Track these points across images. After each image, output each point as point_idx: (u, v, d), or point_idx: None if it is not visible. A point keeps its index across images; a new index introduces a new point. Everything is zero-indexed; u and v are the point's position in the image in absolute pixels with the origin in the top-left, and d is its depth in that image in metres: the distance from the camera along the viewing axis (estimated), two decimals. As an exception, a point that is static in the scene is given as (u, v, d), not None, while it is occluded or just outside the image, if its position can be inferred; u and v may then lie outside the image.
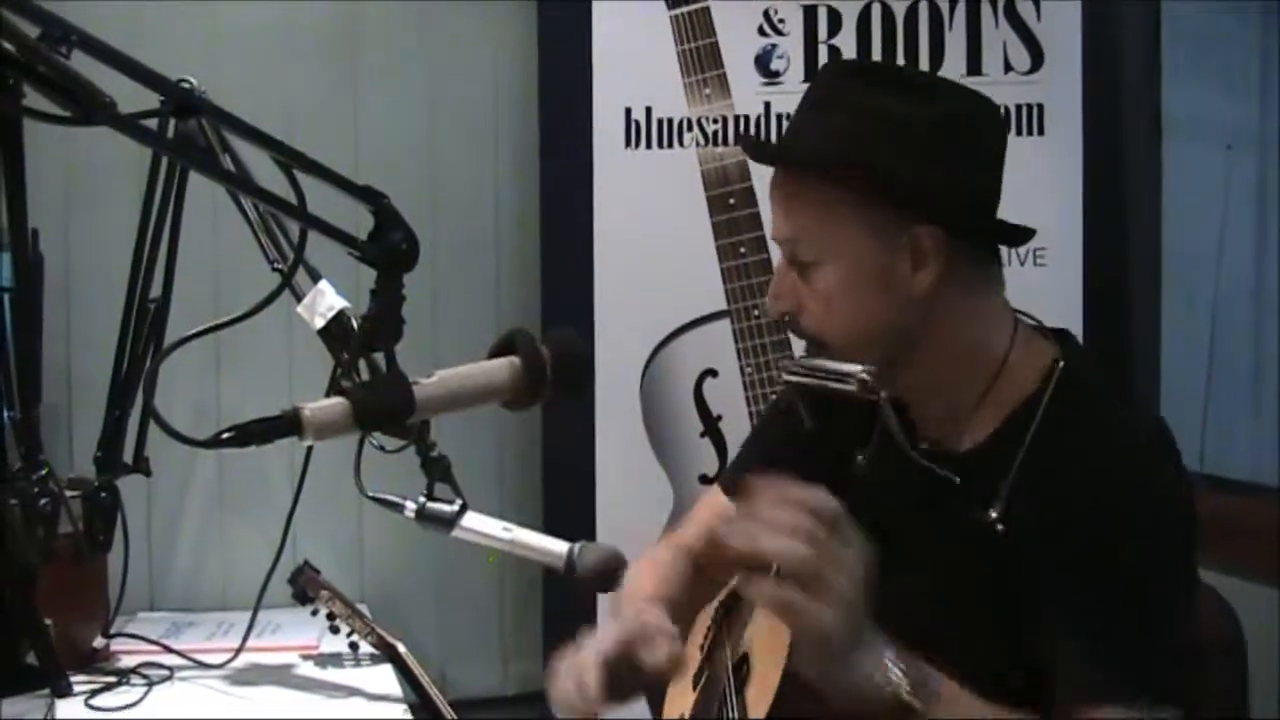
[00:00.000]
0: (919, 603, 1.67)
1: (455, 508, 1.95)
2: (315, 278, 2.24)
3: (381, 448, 2.02)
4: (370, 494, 1.97)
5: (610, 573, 1.90)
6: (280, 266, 2.26)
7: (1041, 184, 2.85)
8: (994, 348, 1.68)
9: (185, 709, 2.26)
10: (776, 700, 1.76)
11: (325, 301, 2.19)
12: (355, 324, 2.13)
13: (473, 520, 1.96)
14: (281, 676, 2.42)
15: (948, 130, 1.64)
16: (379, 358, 1.56)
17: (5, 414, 2.09)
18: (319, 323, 2.20)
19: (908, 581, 1.68)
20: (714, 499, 2.08)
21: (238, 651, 2.44)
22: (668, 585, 1.99)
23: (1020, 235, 1.70)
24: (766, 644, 1.86)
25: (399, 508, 1.97)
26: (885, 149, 1.62)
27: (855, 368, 1.65)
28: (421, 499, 1.95)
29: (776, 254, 2.74)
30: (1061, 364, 1.67)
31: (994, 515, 1.62)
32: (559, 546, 1.93)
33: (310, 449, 2.14)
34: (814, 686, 1.61)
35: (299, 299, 2.18)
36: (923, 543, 1.70)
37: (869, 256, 1.63)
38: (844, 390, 1.66)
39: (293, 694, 2.32)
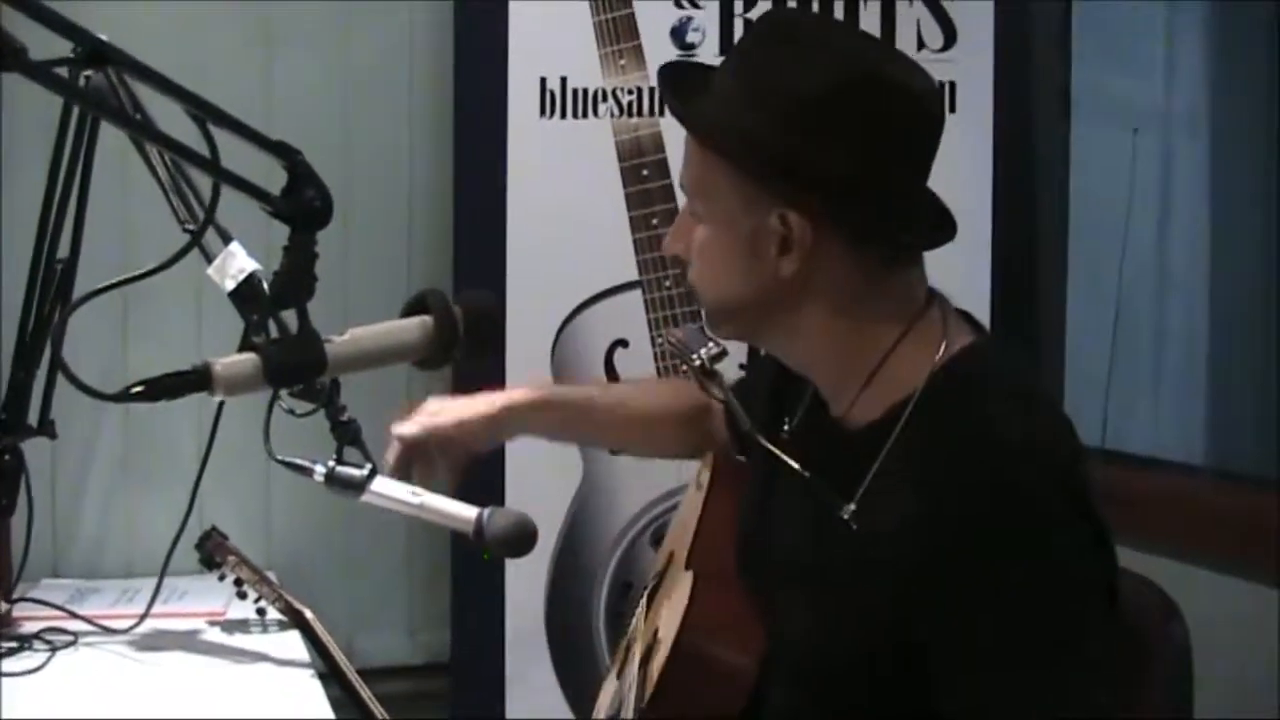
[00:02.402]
0: (795, 588, 1.67)
1: (364, 472, 1.94)
2: (226, 239, 2.22)
3: (291, 411, 2.02)
4: (279, 458, 1.97)
5: (520, 538, 1.89)
6: (191, 227, 2.24)
7: (952, 160, 2.86)
8: (881, 335, 1.59)
9: (90, 675, 2.23)
10: (666, 667, 1.77)
11: (236, 264, 2.17)
12: (260, 285, 2.14)
13: (382, 485, 1.95)
14: (188, 642, 2.40)
15: (839, 115, 1.53)
16: (290, 317, 1.55)
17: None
18: (229, 285, 2.18)
19: (782, 576, 1.69)
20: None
21: (142, 617, 2.42)
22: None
23: (905, 242, 1.60)
24: (673, 611, 1.87)
25: (308, 472, 1.97)
26: (766, 121, 1.54)
27: (701, 348, 1.68)
28: (331, 463, 1.94)
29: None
30: (947, 361, 1.57)
31: (849, 511, 1.55)
32: (468, 512, 1.92)
33: (219, 414, 2.14)
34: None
35: (209, 260, 2.17)
36: (792, 535, 1.68)
37: (738, 228, 1.58)
38: (690, 365, 1.70)
39: (199, 660, 2.31)
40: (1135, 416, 3.09)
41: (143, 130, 1.43)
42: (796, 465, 1.62)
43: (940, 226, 1.63)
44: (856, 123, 1.53)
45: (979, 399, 1.55)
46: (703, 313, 1.68)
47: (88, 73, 1.90)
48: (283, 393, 1.70)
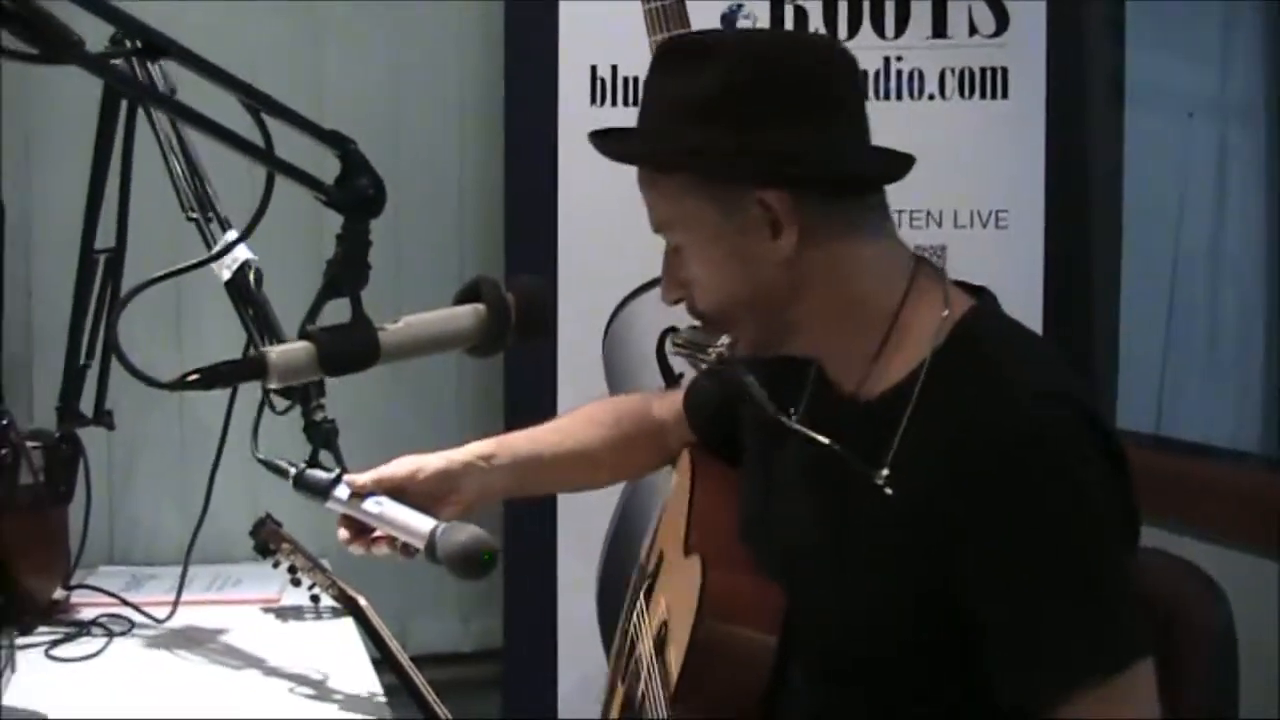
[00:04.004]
0: (817, 570, 1.69)
1: (330, 477, 1.93)
2: (224, 227, 2.23)
3: (271, 408, 2.04)
4: (259, 456, 1.98)
5: (470, 558, 1.83)
6: (194, 215, 2.26)
7: (1004, 147, 2.87)
8: (883, 297, 1.64)
9: (144, 660, 2.26)
10: (689, 651, 1.77)
11: (231, 253, 2.19)
12: (252, 277, 2.16)
13: (346, 491, 1.94)
14: (243, 629, 2.41)
15: (758, 90, 1.59)
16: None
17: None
18: (225, 275, 2.19)
19: (811, 550, 1.70)
20: (671, 399, 2.13)
21: (175, 605, 2.42)
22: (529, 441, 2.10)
23: (873, 174, 1.65)
24: (680, 599, 1.87)
25: (284, 473, 1.97)
26: (693, 127, 1.59)
27: (716, 341, 1.68)
28: (302, 465, 1.94)
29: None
30: (960, 318, 1.62)
31: (881, 478, 1.58)
32: (425, 525, 1.87)
33: (262, 404, 2.16)
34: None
35: (209, 247, 2.19)
36: (821, 505, 1.70)
37: (720, 232, 1.61)
38: (706, 360, 1.71)
39: (254, 646, 2.32)
40: (1188, 403, 3.07)
41: (199, 122, 1.44)
42: (825, 439, 1.65)
43: (896, 158, 1.66)
44: (787, 89, 1.60)
45: (999, 350, 1.61)
46: (723, 337, 1.70)
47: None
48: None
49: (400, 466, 1.98)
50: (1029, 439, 1.50)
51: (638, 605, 2.09)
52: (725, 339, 1.68)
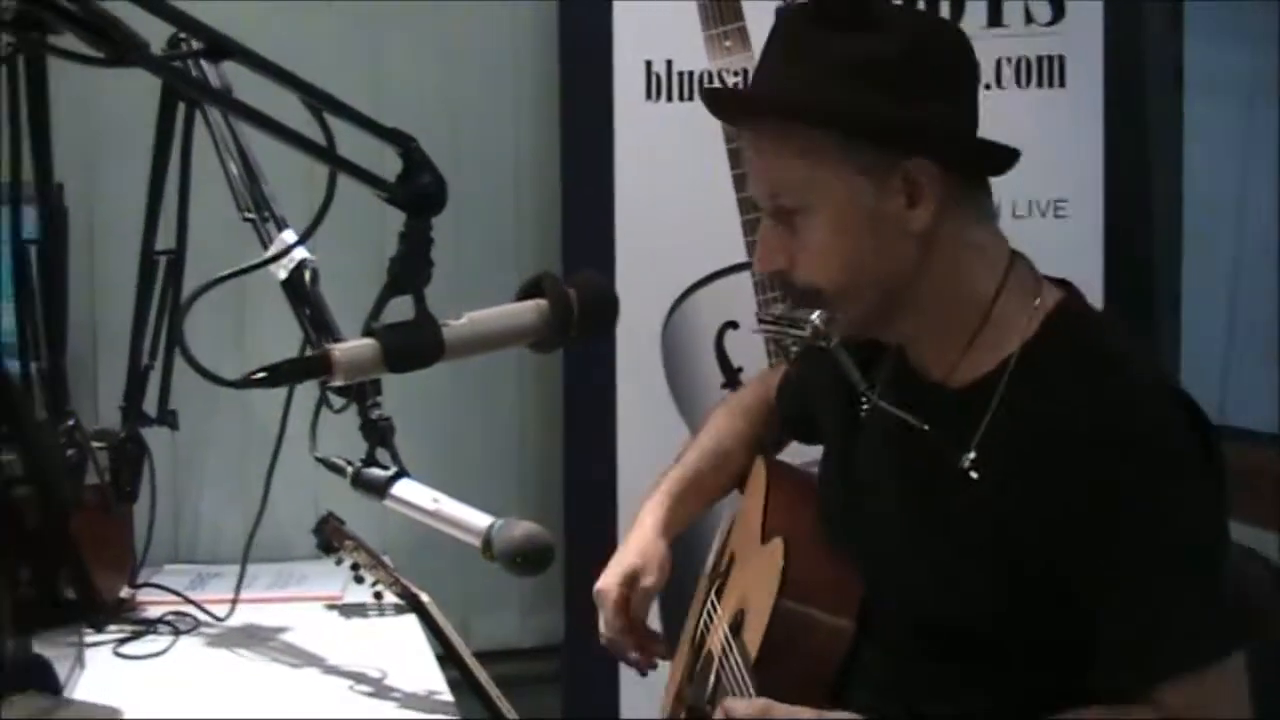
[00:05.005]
0: (901, 550, 1.70)
1: (388, 475, 1.94)
2: (280, 226, 2.24)
3: (329, 406, 2.05)
4: (318, 455, 1.99)
5: (531, 555, 1.84)
6: (250, 216, 2.27)
7: (1062, 136, 2.85)
8: (986, 284, 1.65)
9: (210, 658, 2.27)
10: (769, 628, 1.78)
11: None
12: (309, 276, 2.18)
13: (403, 489, 1.94)
14: (306, 626, 2.43)
15: (920, 60, 1.61)
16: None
17: (32, 365, 2.10)
18: (281, 274, 2.20)
19: (895, 531, 1.71)
20: (766, 384, 2.16)
21: (234, 603, 2.44)
22: (683, 500, 2.12)
23: (1009, 157, 1.66)
24: (758, 582, 1.87)
25: (342, 471, 1.98)
26: (859, 87, 1.58)
27: (809, 314, 1.67)
28: (359, 463, 1.95)
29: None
30: (1054, 308, 1.64)
31: (968, 461, 1.60)
32: (480, 522, 1.88)
33: (320, 402, 2.17)
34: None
35: (266, 247, 2.20)
36: (905, 490, 1.71)
37: (860, 198, 1.60)
38: (800, 337, 1.70)
39: (317, 643, 2.33)
40: (1252, 392, 3.04)
41: (262, 123, 1.45)
42: (917, 422, 1.66)
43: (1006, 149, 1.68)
44: (943, 67, 1.63)
45: (1096, 342, 1.62)
46: (816, 312, 1.69)
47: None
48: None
49: (641, 590, 2.03)
50: (1138, 430, 1.52)
51: (707, 605, 2.10)
52: (819, 314, 1.66)
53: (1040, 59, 2.87)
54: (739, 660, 1.83)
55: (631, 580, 2.01)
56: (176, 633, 2.35)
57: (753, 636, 1.81)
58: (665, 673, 2.22)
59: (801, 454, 2.19)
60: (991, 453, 1.59)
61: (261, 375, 1.47)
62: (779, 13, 1.72)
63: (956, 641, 1.63)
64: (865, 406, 1.79)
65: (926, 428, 1.65)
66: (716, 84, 2.83)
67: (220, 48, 1.44)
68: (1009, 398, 1.60)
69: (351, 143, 1.52)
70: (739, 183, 2.84)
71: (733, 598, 1.99)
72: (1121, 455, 1.51)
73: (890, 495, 1.73)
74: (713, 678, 1.94)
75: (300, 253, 2.18)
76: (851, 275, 1.63)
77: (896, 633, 1.71)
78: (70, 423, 2.17)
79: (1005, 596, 1.58)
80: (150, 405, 2.42)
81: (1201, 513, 1.54)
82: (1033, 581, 1.55)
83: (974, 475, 1.59)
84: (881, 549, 1.74)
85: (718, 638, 1.98)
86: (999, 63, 2.84)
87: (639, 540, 2.05)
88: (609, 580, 2.01)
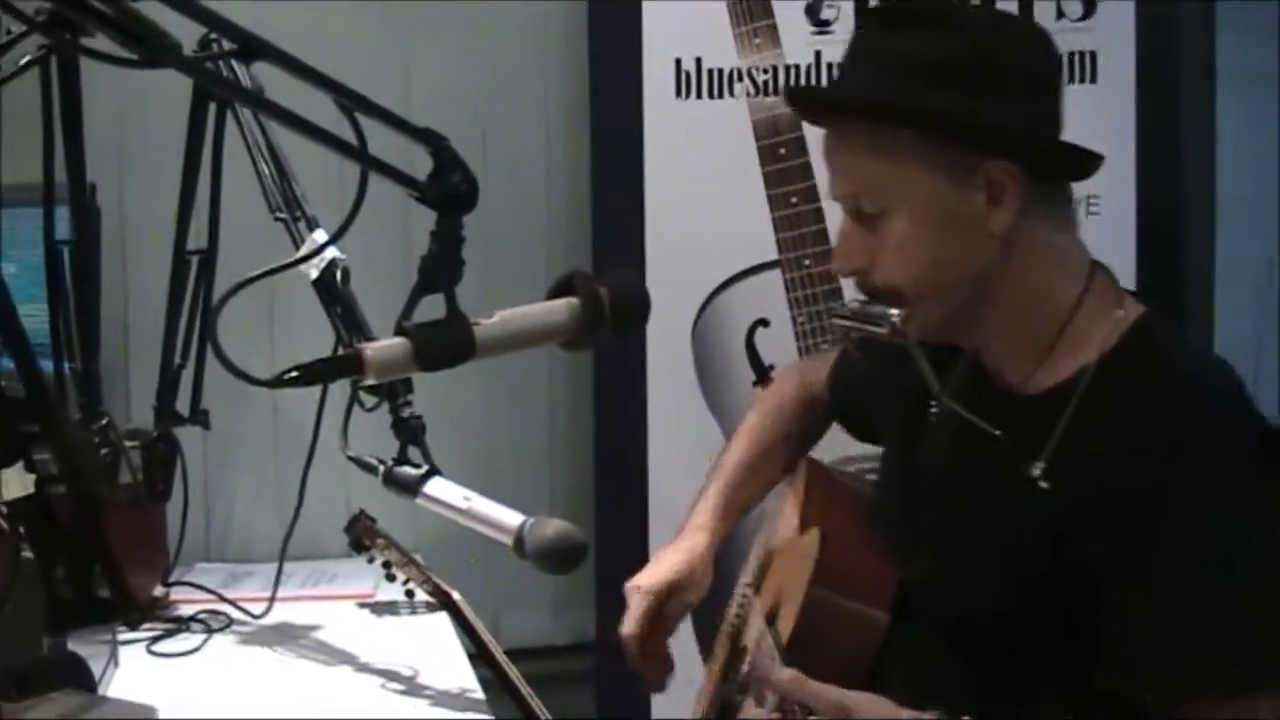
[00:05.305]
0: (956, 550, 1.69)
1: (420, 473, 1.94)
2: (312, 226, 2.25)
3: (360, 405, 2.05)
4: (349, 454, 2.00)
5: (563, 553, 1.85)
6: (282, 215, 2.28)
7: (1094, 132, 2.77)
8: (1066, 291, 1.64)
9: (243, 656, 2.28)
10: (801, 614, 1.78)
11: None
12: (340, 275, 2.18)
13: (435, 487, 1.95)
14: (338, 624, 2.44)
15: (1003, 60, 1.60)
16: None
17: (66, 365, 2.11)
18: (313, 273, 2.21)
19: (952, 531, 1.71)
20: (804, 378, 2.15)
21: (270, 601, 2.45)
22: (734, 487, 2.11)
23: (1093, 162, 1.64)
24: (794, 573, 1.88)
25: (374, 470, 1.98)
26: (942, 87, 1.58)
27: (888, 311, 1.65)
28: (390, 462, 1.95)
29: (829, 204, 2.74)
30: (1135, 321, 1.63)
31: (1038, 470, 1.59)
32: (512, 520, 1.88)
33: (351, 401, 2.17)
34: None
35: (298, 246, 2.21)
36: (968, 493, 1.70)
37: (942, 199, 1.59)
38: (877, 334, 1.67)
39: (349, 641, 2.34)
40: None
41: (294, 123, 1.45)
42: (989, 428, 1.64)
43: (1089, 152, 1.66)
44: (1027, 68, 1.62)
45: (1176, 360, 1.61)
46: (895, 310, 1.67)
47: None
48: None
49: (682, 594, 2.02)
50: (1214, 455, 1.51)
51: (743, 601, 2.10)
52: (897, 312, 1.64)
53: (1072, 55, 2.86)
54: (772, 646, 1.83)
55: (671, 591, 1.99)
56: (209, 631, 2.37)
57: (786, 625, 1.81)
58: (698, 672, 2.22)
59: (832, 450, 2.20)
60: (1061, 463, 1.58)
61: (294, 375, 1.47)
62: (862, 11, 1.71)
63: (1002, 643, 1.62)
64: (934, 408, 1.78)
65: (998, 433, 1.63)
66: (747, 83, 2.84)
67: (252, 48, 1.43)
68: (1084, 409, 1.58)
69: (380, 142, 1.52)
70: (769, 179, 2.84)
71: (769, 591, 1.99)
72: (1193, 478, 1.50)
73: (951, 495, 1.73)
74: (744, 668, 1.94)
75: (331, 252, 2.18)
76: (931, 276, 1.62)
77: (941, 630, 1.71)
78: (103, 422, 2.17)
79: (1059, 605, 1.57)
80: (182, 405, 2.43)
81: (1264, 545, 1.51)
82: (1089, 593, 1.54)
83: (1043, 485, 1.58)
84: (935, 547, 1.73)
85: (753, 631, 1.98)
86: (1030, 59, 2.83)
87: (689, 552, 2.03)
88: (648, 582, 1.99)
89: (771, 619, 1.89)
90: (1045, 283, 1.64)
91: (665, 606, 1.99)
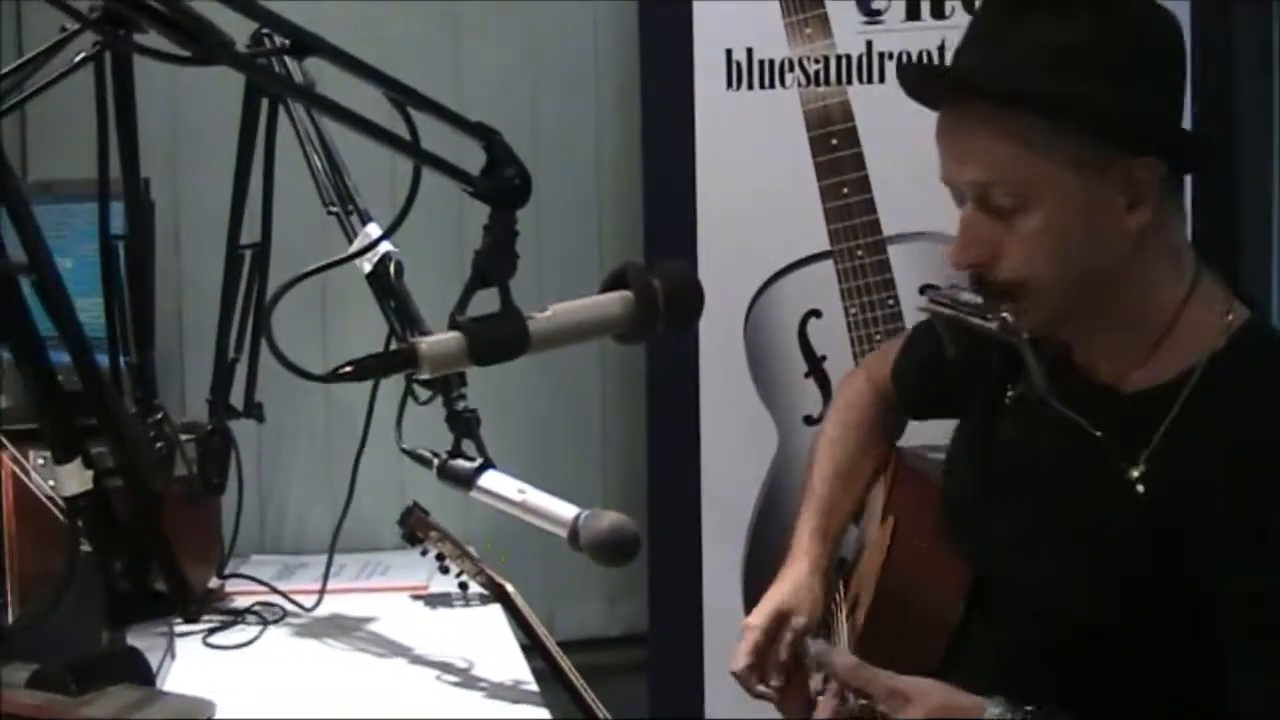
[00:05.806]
0: (1039, 545, 1.67)
1: (474, 466, 1.95)
2: (365, 220, 2.26)
3: (414, 398, 2.06)
4: (403, 447, 2.00)
5: (617, 545, 1.84)
6: (335, 209, 2.29)
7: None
8: (1175, 290, 1.59)
9: (297, 648, 2.30)
10: (872, 604, 1.77)
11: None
12: (393, 269, 2.19)
13: (490, 480, 1.95)
14: (391, 616, 2.45)
15: (1141, 48, 1.54)
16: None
17: (121, 359, 2.12)
18: (366, 268, 2.21)
19: (1042, 527, 1.68)
20: (872, 380, 2.13)
21: (321, 593, 2.47)
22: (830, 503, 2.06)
23: (1215, 155, 1.61)
24: (872, 564, 1.88)
25: (428, 463, 1.99)
26: (1081, 75, 1.52)
27: (981, 301, 1.61)
28: (444, 455, 1.96)
29: (880, 194, 2.74)
30: (1244, 325, 1.58)
31: (1136, 473, 1.56)
32: (567, 512, 1.89)
33: (406, 394, 2.18)
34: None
35: (350, 241, 2.21)
36: (1061, 490, 1.67)
37: (1080, 194, 1.53)
38: (984, 328, 1.60)
39: (403, 633, 2.35)
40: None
41: (347, 118, 1.45)
42: (1088, 425, 1.61)
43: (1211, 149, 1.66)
44: (1159, 61, 1.57)
45: None
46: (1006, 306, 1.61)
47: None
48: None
49: (790, 630, 1.98)
50: None
51: (834, 595, 2.10)
52: (1007, 308, 1.58)
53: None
54: (846, 637, 1.83)
55: (782, 618, 1.96)
56: (264, 623, 2.38)
57: (861, 615, 1.82)
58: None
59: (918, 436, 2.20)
60: (1162, 465, 1.55)
61: (348, 369, 1.48)
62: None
63: (1079, 640, 1.61)
64: (1010, 396, 1.75)
65: (1099, 434, 1.60)
66: (798, 73, 2.82)
67: (304, 44, 1.44)
68: (1188, 411, 1.54)
69: (433, 137, 1.52)
70: (821, 170, 2.83)
71: (855, 583, 2.00)
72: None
73: (1039, 489, 1.69)
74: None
75: (385, 246, 2.19)
76: (1061, 271, 1.57)
77: (1017, 623, 1.69)
78: (158, 416, 2.18)
79: (1146, 606, 1.55)
80: (236, 398, 2.44)
81: None
82: (1179, 596, 1.52)
83: (1140, 489, 1.55)
84: (1016, 540, 1.70)
85: (840, 617, 1.99)
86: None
87: (794, 579, 2.00)
88: (758, 617, 1.97)
89: (852, 610, 1.90)
90: (1158, 281, 1.59)
91: (776, 636, 1.96)
